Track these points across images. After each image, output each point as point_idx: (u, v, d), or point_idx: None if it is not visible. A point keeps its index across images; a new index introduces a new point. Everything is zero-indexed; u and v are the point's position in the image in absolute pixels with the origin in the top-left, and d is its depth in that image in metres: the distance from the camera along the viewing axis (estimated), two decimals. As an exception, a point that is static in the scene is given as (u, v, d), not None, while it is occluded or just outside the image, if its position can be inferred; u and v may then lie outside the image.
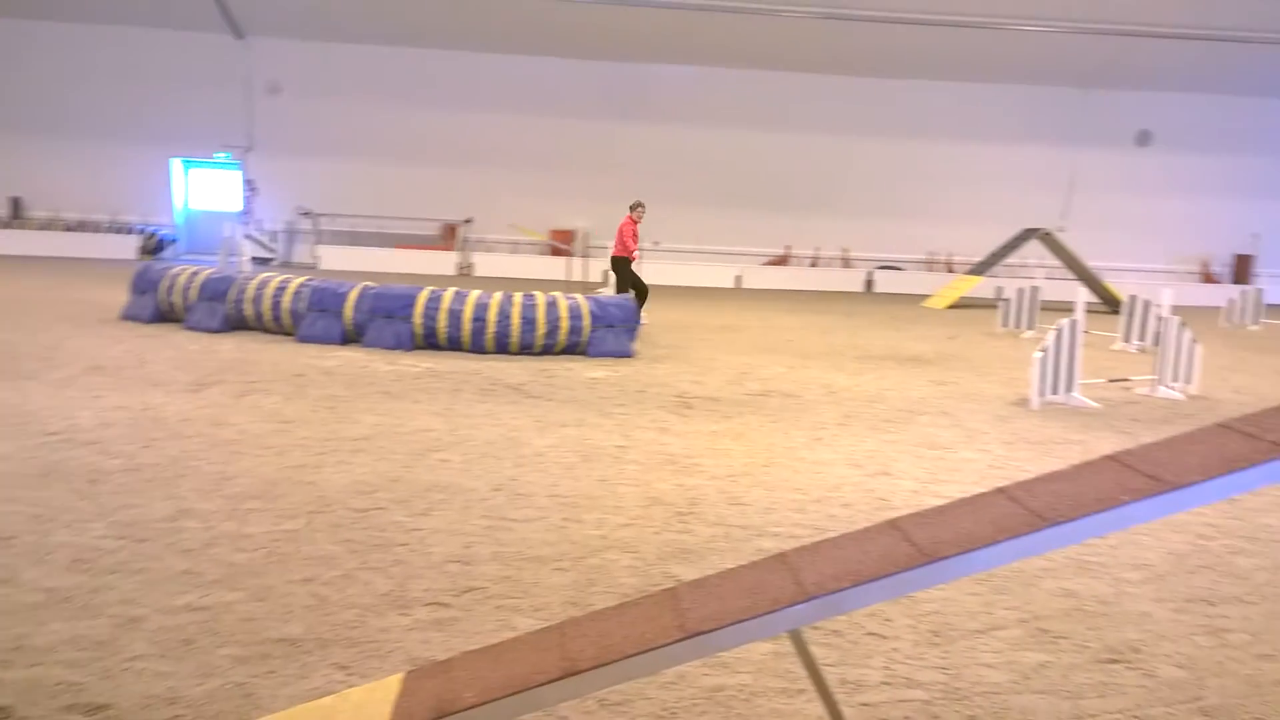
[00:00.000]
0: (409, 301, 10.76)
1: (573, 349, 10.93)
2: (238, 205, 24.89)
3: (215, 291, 11.53)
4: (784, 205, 25.71)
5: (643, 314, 13.35)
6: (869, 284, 24.95)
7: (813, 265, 26.00)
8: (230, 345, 10.56)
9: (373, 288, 11.12)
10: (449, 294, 10.82)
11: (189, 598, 3.89)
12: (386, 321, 10.76)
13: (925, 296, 21.81)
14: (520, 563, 4.44)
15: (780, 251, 26.07)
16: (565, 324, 10.79)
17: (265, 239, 23.96)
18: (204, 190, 25.60)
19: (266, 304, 11.28)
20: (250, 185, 24.95)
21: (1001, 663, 3.57)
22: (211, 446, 6.25)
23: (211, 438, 6.48)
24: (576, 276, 17.54)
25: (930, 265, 26.15)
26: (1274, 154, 25.54)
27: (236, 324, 11.57)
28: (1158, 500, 2.22)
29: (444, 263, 24.05)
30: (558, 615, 3.82)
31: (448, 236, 25.27)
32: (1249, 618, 4.08)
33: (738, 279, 24.73)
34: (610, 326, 10.94)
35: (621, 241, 13.79)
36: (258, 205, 25.00)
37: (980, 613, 4.03)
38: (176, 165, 25.10)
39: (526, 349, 10.78)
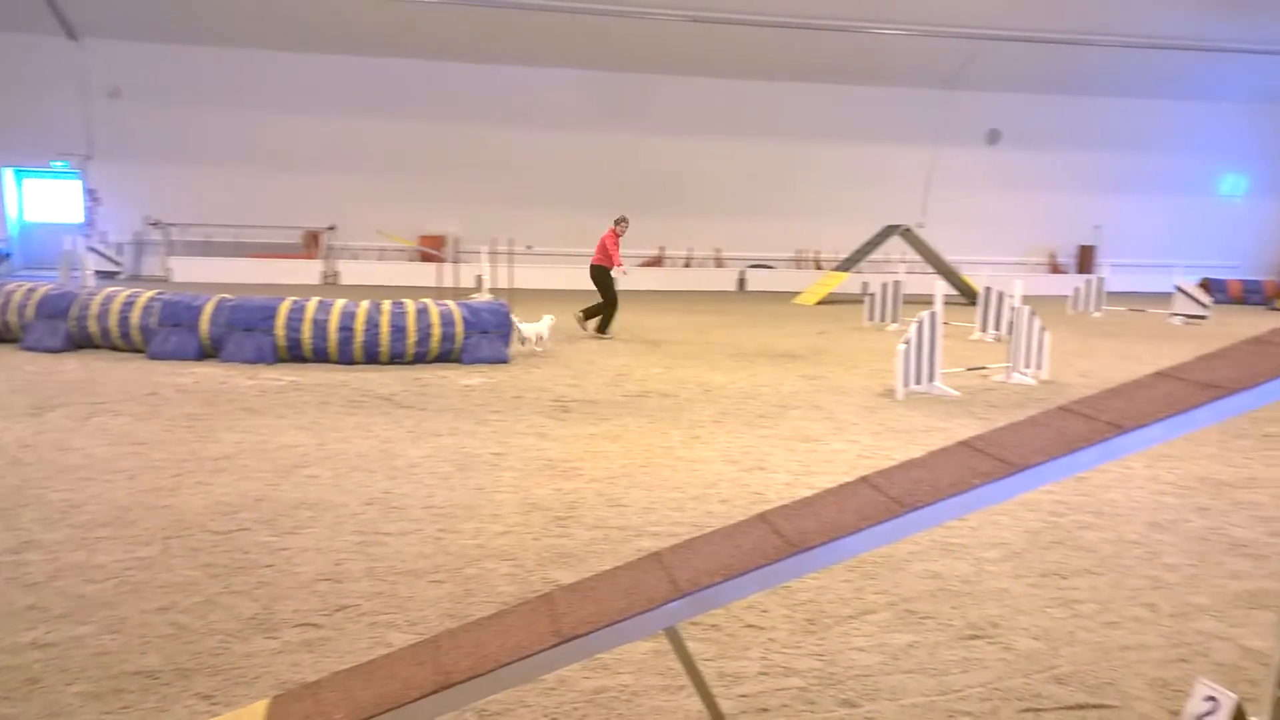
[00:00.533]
0: (270, 313, 10.37)
1: (446, 357, 10.76)
2: (78, 216, 23.53)
3: (55, 308, 10.86)
4: (656, 206, 25.93)
5: (611, 326, 13.85)
6: (741, 283, 25.44)
7: (686, 265, 26.34)
8: (74, 365, 9.96)
9: (230, 299, 10.67)
10: (312, 304, 10.49)
11: (34, 634, 3.65)
12: (246, 334, 10.35)
13: (795, 294, 22.38)
14: (395, 577, 4.33)
15: (654, 253, 26.30)
16: (437, 331, 10.60)
17: (110, 252, 22.73)
18: (40, 201, 24.12)
19: (114, 320, 10.69)
20: (92, 195, 23.62)
21: (873, 645, 3.68)
22: (56, 473, 5.87)
23: (55, 464, 6.09)
24: (448, 282, 17.26)
25: (799, 263, 26.86)
26: (1113, 150, 27.26)
27: (80, 342, 10.93)
28: (1006, 482, 2.33)
29: (307, 272, 23.33)
30: (434, 628, 3.74)
31: (310, 244, 24.52)
32: (1097, 588, 4.32)
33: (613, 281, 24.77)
34: (484, 332, 10.80)
35: (603, 251, 13.83)
36: (101, 216, 23.69)
37: (852, 598, 4.14)
38: (8, 175, 23.57)
39: (397, 358, 10.55)
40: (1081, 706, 3.22)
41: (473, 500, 5.54)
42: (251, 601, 4.00)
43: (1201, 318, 17.53)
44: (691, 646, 3.62)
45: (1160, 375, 2.56)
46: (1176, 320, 17.74)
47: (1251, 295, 23.72)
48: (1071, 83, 25.72)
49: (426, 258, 22.56)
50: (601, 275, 13.88)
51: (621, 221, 14.03)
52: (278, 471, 6.04)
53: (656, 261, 26.20)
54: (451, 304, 10.97)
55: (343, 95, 24.30)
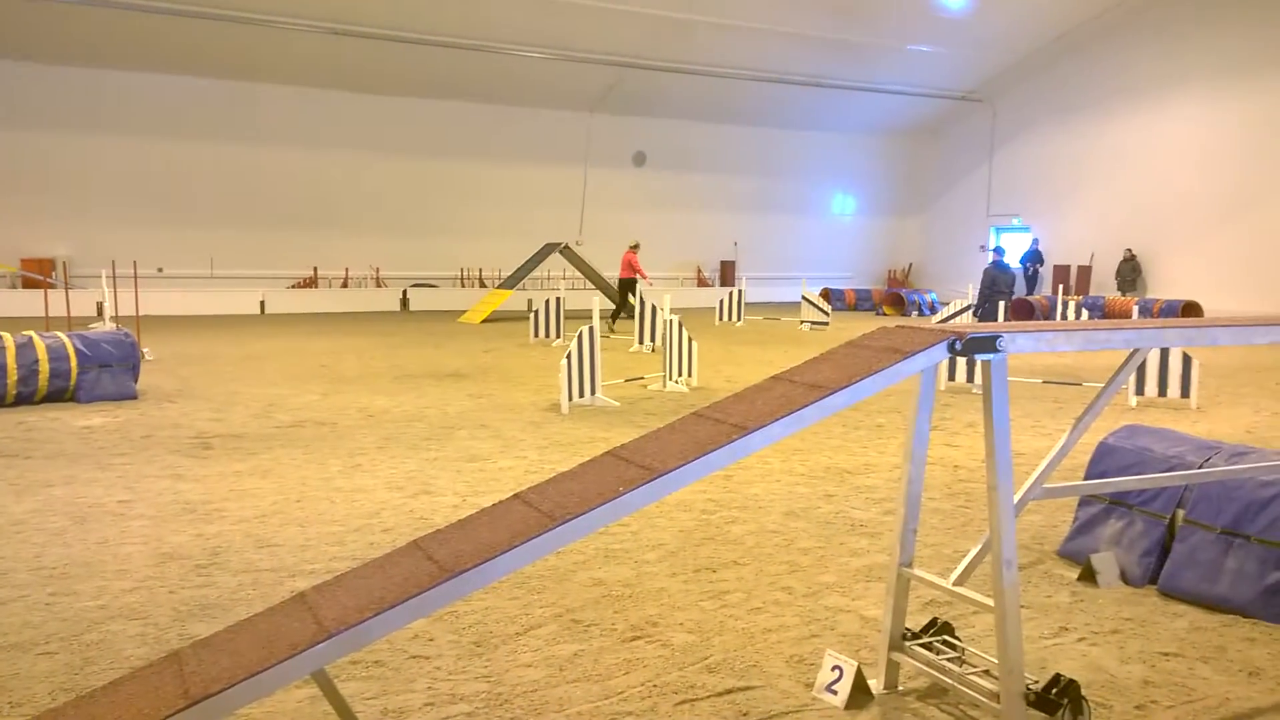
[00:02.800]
0: None
1: (59, 396, 9.50)
2: None
3: None
4: (310, 225, 24.75)
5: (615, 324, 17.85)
6: (404, 302, 24.91)
7: (343, 286, 25.35)
8: None
9: None
10: (-116, 341, 8.85)
11: None
12: None
13: (461, 312, 22.28)
14: (-6, 654, 3.73)
15: (308, 273, 25.04)
16: (45, 368, 9.33)
17: None
18: None
19: None
20: None
21: (539, 660, 3.70)
22: None
23: None
24: (59, 311, 15.26)
25: (463, 281, 26.79)
26: (747, 173, 29.91)
27: None
28: (649, 487, 2.43)
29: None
30: (44, 706, 3.27)
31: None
32: (743, 577, 4.67)
33: (262, 304, 23.30)
34: (106, 366, 9.67)
35: (630, 268, 19.43)
36: None
37: (519, 615, 4.15)
38: None
39: None
40: (730, 691, 3.45)
41: (94, 556, 4.92)
42: None
43: (824, 323, 19.66)
44: (353, 687, 3.45)
45: (776, 379, 2.80)
46: (805, 326, 19.76)
47: (863, 302, 26.98)
48: (709, 110, 27.92)
49: (32, 284, 19.85)
50: (629, 286, 19.16)
51: (637, 246, 20.05)
52: None
53: (310, 283, 24.96)
54: (63, 336, 9.71)
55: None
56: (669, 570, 4.75)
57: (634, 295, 17.50)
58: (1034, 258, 26.62)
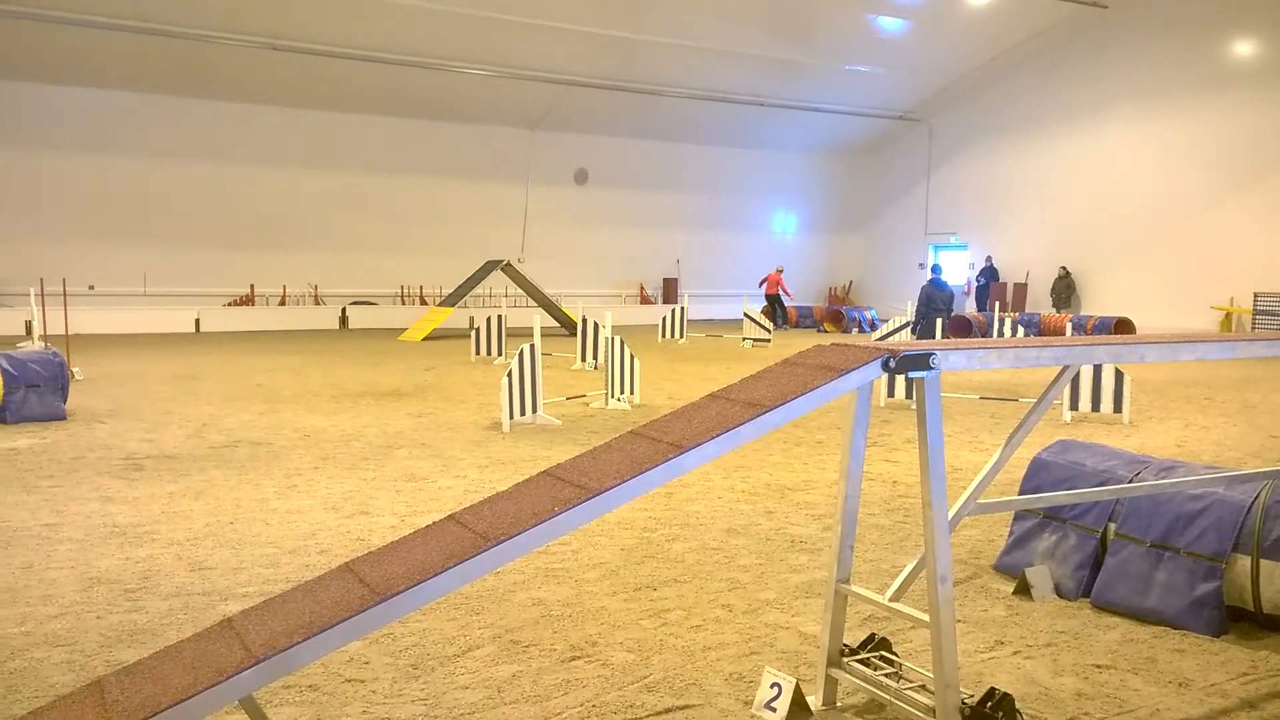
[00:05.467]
0: None
1: (-15, 416, 9.20)
2: None
3: None
4: (246, 242, 24.32)
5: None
6: (343, 320, 24.58)
7: (281, 304, 24.94)
8: None
9: None
10: None
11: None
12: None
13: (401, 330, 22.04)
14: (-93, 687, 3.58)
15: (244, 291, 24.59)
16: (-28, 387, 9.04)
17: None
18: None
19: None
20: None
21: (477, 682, 3.66)
22: None
23: None
24: (-11, 330, 14.81)
25: (404, 299, 26.53)
26: (689, 191, 30.09)
27: None
28: (585, 507, 2.42)
29: None
30: (-38, 742, 3.14)
31: None
32: (683, 595, 4.67)
33: (197, 322, 22.81)
34: (33, 386, 9.39)
35: (778, 285, 26.66)
36: None
37: (457, 636, 4.10)
38: None
39: (-82, 421, 8.84)
40: (669, 710, 3.44)
41: (17, 581, 4.76)
42: None
43: (766, 340, 19.83)
44: (286, 712, 3.38)
45: (713, 397, 2.82)
46: (747, 343, 19.91)
47: (804, 319, 27.29)
48: (650, 128, 28.07)
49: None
50: (776, 301, 26.36)
51: (782, 269, 27.42)
52: None
53: (247, 300, 24.51)
54: (-10, 354, 9.42)
55: None
56: (609, 589, 4.74)
57: (780, 308, 26.12)
58: (990, 274, 27.20)
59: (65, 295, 13.72)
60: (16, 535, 5.57)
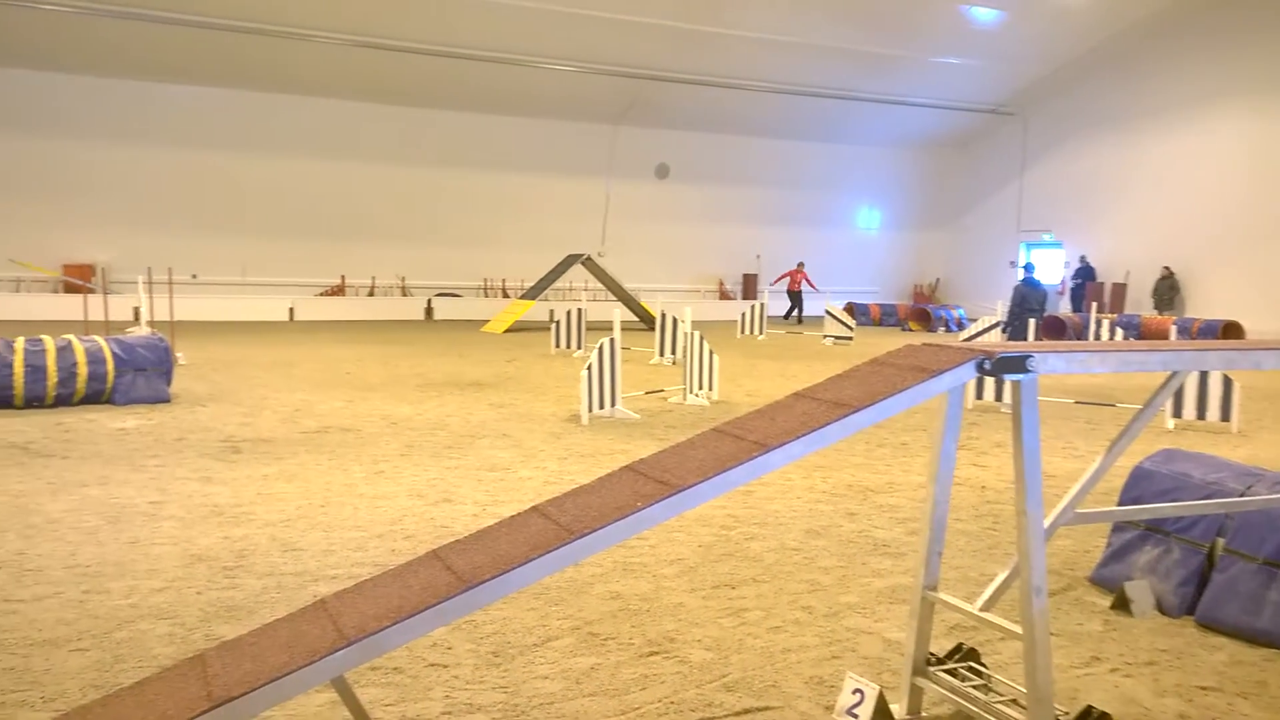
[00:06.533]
0: None
1: (96, 398, 9.64)
2: None
3: None
4: (338, 234, 25.00)
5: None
6: (429, 311, 25.08)
7: (370, 294, 25.56)
8: None
9: None
10: (-78, 341, 9.02)
11: None
12: None
13: (484, 322, 22.39)
14: (28, 649, 3.78)
15: (335, 281, 25.28)
16: (83, 370, 9.48)
17: None
18: None
19: None
20: None
21: (556, 672, 3.70)
22: None
23: None
24: (98, 316, 15.49)
25: (487, 291, 26.93)
26: (770, 186, 29.85)
27: None
28: (667, 502, 2.43)
29: (-78, 304, 20.12)
30: (75, 703, 3.31)
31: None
32: (762, 595, 4.64)
33: (291, 311, 23.53)
34: (141, 370, 9.80)
35: (802, 280, 26.36)
36: None
37: (537, 626, 4.15)
38: None
39: (35, 401, 9.31)
40: (748, 711, 3.43)
41: (125, 556, 4.98)
42: None
43: (848, 338, 19.57)
44: (372, 693, 3.46)
45: (798, 396, 2.79)
46: (828, 341, 19.68)
47: (888, 317, 26.87)
48: (732, 122, 27.91)
49: (72, 289, 20.17)
50: (798, 296, 26.29)
51: (803, 263, 26.90)
52: None
53: (338, 290, 25.20)
54: (100, 340, 9.86)
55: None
56: (687, 585, 4.74)
57: (800, 305, 26.26)
58: (1086, 274, 26.38)
59: (171, 283, 14.28)
60: (124, 511, 5.83)
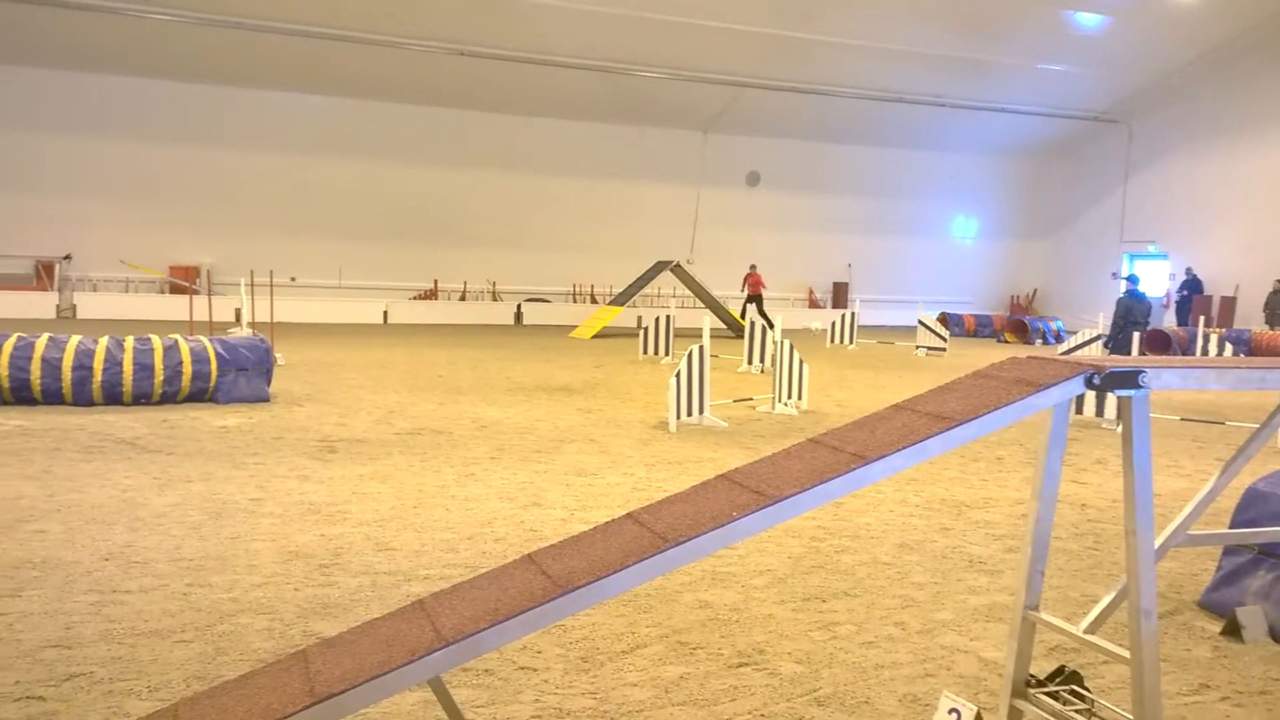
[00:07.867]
0: (-9, 350, 9.30)
1: (199, 396, 10.03)
2: None
3: None
4: (430, 239, 25.55)
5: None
6: (518, 316, 25.42)
7: (462, 299, 26.03)
8: None
9: (-57, 335, 9.49)
10: (42, 340, 9.50)
11: None
12: (-38, 374, 9.22)
13: (572, 327, 22.59)
14: (134, 639, 3.94)
15: (428, 285, 25.84)
16: (188, 369, 9.86)
17: None
18: None
19: None
20: None
21: (645, 680, 3.69)
22: None
23: None
24: (202, 316, 16.14)
25: (575, 297, 27.17)
26: (862, 194, 29.45)
27: None
28: (763, 513, 2.40)
29: (41, 305, 21.21)
30: (179, 693, 3.43)
31: (43, 275, 22.30)
32: (854, 609, 4.56)
33: (385, 314, 24.14)
34: (242, 370, 10.16)
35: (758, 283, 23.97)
36: None
37: (626, 633, 4.15)
38: None
39: (143, 399, 9.72)
40: (839, 725, 3.37)
41: (226, 550, 5.15)
42: (-46, 680, 3.51)
43: (941, 349, 19.15)
44: (463, 694, 3.51)
45: (898, 408, 2.73)
46: (920, 352, 19.29)
47: (983, 328, 26.22)
48: (823, 130, 27.64)
49: (177, 290, 21.05)
50: (759, 299, 23.64)
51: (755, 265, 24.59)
52: (-6, 528, 5.38)
53: (430, 294, 25.74)
54: (204, 339, 10.25)
55: (80, 114, 22.41)
56: (777, 597, 4.68)
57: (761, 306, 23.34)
58: (1193, 286, 25.38)
59: (271, 286, 14.78)
60: (225, 507, 6.03)
